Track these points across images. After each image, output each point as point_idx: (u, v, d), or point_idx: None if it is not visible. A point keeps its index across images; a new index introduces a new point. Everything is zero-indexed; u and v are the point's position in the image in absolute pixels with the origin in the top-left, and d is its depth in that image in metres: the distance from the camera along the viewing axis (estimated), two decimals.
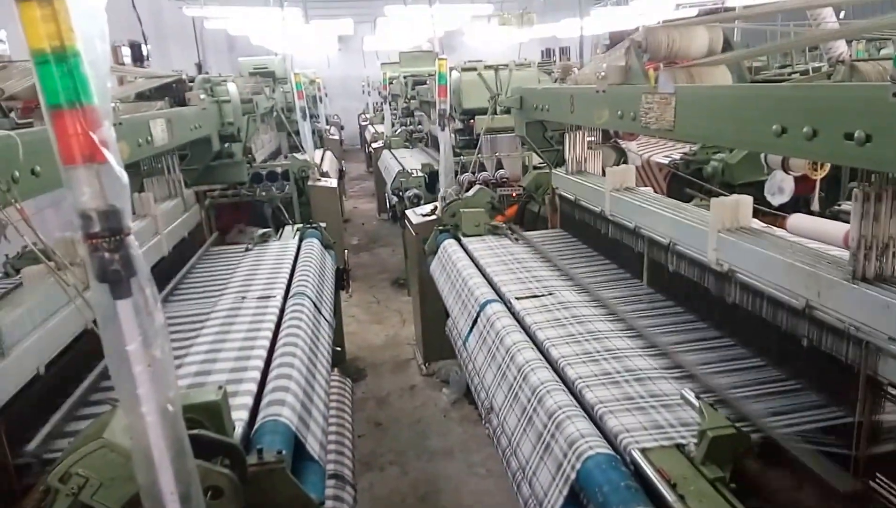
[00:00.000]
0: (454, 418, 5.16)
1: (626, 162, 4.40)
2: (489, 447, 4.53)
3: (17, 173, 1.87)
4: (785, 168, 3.94)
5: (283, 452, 2.09)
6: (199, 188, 4.97)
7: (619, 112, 3.25)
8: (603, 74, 3.47)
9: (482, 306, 3.50)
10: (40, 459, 2.14)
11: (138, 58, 7.45)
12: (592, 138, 4.27)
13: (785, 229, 2.98)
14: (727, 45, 3.37)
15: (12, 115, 2.49)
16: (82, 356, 2.69)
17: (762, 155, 4.15)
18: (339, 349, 4.55)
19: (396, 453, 4.72)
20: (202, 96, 4.57)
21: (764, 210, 3.77)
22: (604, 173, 4.09)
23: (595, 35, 15.90)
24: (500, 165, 5.98)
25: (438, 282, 4.57)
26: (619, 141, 4.46)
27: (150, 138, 3.30)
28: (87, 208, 1.21)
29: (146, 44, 7.68)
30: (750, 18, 4.71)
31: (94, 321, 1.39)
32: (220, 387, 2.06)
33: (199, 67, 12.18)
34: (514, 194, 5.20)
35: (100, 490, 1.65)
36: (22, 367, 2.20)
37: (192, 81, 4.84)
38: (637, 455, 2.06)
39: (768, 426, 2.17)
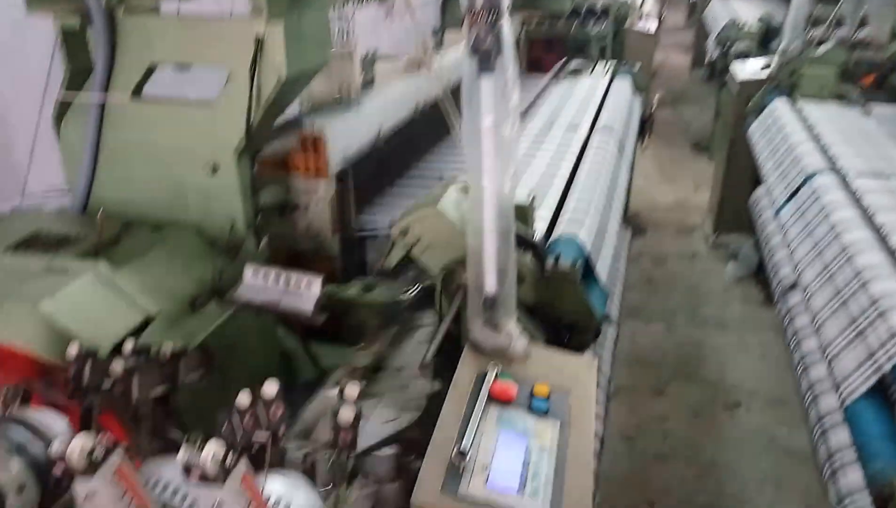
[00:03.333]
0: (736, 295, 4.90)
1: None
2: (770, 331, 4.27)
3: None
4: None
5: (578, 264, 2.18)
6: (519, 13, 4.99)
7: None
8: None
9: (809, 177, 3.14)
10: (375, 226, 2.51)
11: None
12: None
13: None
14: None
15: None
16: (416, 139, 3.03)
17: None
18: None
19: (665, 311, 4.67)
20: None
21: None
22: None
23: None
24: (863, 23, 5.01)
25: (756, 146, 4.17)
26: None
27: None
28: None
29: None
30: None
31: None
32: (531, 194, 2.17)
33: None
34: (875, 61, 4.38)
35: (427, 250, 1.89)
36: (369, 122, 2.51)
37: None
38: None
39: None
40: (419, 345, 2.03)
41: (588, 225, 2.55)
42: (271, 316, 2.09)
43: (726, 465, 3.31)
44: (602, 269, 2.48)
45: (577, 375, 1.69)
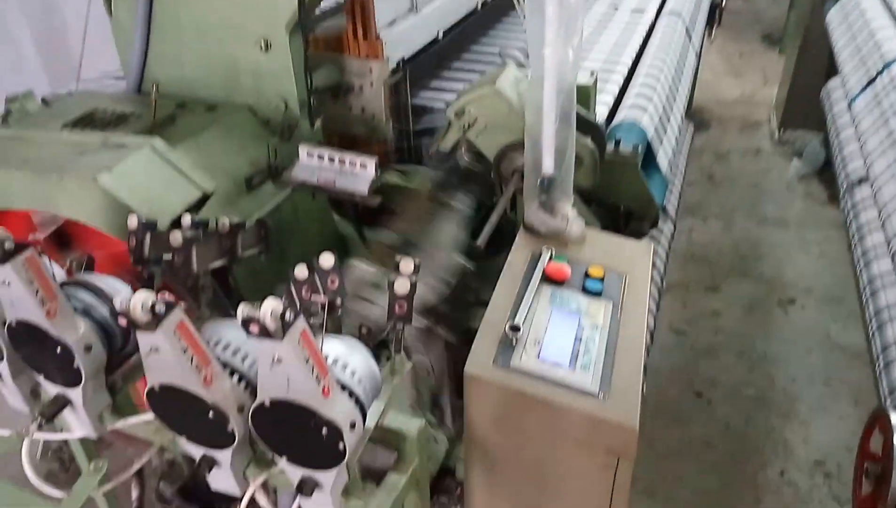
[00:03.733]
0: (798, 192, 4.70)
1: None
2: (832, 229, 4.12)
3: None
4: None
5: (639, 149, 2.10)
6: None
7: None
8: None
9: (888, 64, 2.91)
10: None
11: None
12: None
13: None
14: None
15: None
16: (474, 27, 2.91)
17: None
18: None
19: (724, 209, 4.53)
20: None
21: None
22: None
23: None
24: None
25: (833, 34, 3.88)
26: None
27: None
28: None
29: None
30: None
31: None
32: (593, 73, 2.07)
33: None
34: None
35: (483, 132, 1.84)
36: (428, 25, 2.42)
37: None
38: None
39: None
40: (450, 225, 2.02)
41: (651, 112, 2.44)
42: (326, 199, 2.10)
43: (777, 360, 3.28)
44: (662, 161, 2.39)
45: (633, 259, 1.67)
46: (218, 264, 1.47)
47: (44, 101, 2.18)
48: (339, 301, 1.23)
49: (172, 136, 1.81)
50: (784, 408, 3.03)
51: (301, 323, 0.91)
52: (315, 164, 1.84)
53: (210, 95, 2.08)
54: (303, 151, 1.85)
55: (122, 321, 0.89)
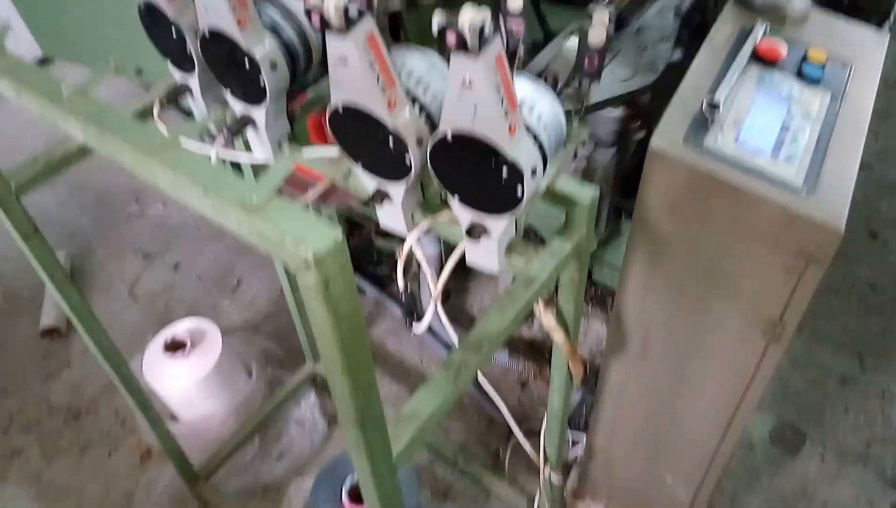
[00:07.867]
0: None
1: None
2: None
3: None
4: None
5: None
6: None
7: None
8: None
9: None
10: None
11: None
12: None
13: None
14: None
15: None
16: None
17: None
18: None
19: None
20: None
21: None
22: None
23: None
24: None
25: None
26: None
27: None
28: None
29: None
30: None
31: None
32: None
33: None
34: None
35: None
36: None
37: None
38: None
39: None
40: (664, 9, 1.79)
41: None
42: None
43: None
44: None
45: (863, 48, 1.41)
46: (396, 5, 1.38)
47: None
48: (521, 50, 1.12)
49: None
50: None
51: (498, 44, 0.82)
52: None
53: None
54: None
55: (314, 20, 0.84)
